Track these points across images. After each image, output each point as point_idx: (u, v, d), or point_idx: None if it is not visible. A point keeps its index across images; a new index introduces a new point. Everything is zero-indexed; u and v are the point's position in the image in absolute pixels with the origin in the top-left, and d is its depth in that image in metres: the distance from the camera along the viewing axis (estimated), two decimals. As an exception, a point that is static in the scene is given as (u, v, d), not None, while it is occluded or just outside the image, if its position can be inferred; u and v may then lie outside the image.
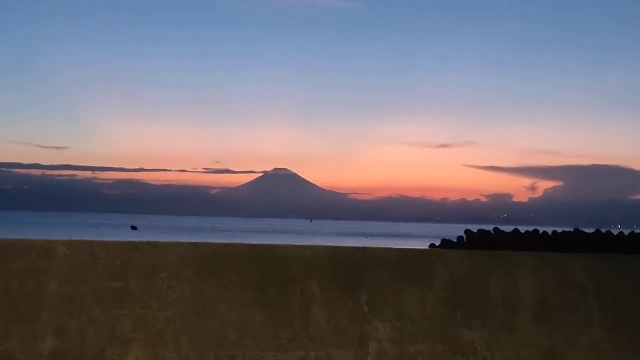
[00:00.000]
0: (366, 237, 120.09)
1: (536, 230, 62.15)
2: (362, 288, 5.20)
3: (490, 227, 66.55)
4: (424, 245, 66.92)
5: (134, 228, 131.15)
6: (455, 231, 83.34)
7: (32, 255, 4.80)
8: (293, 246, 5.25)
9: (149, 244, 5.01)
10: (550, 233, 60.88)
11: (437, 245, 65.64)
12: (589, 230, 60.92)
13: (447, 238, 70.06)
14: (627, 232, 61.21)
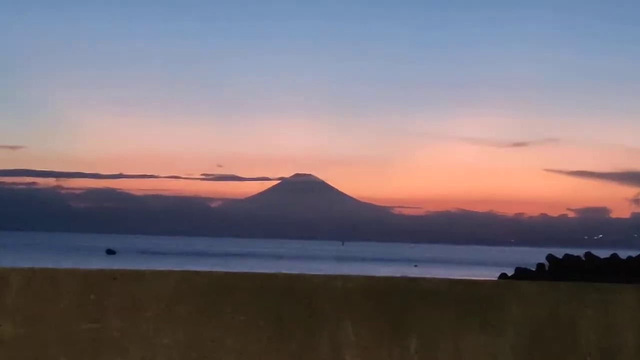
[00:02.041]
0: (416, 265, 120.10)
1: (641, 256, 61.78)
2: (411, 331, 5.20)
3: (580, 252, 66.27)
4: (492, 275, 66.73)
5: (110, 252, 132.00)
6: (534, 256, 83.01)
7: (-20, 287, 4.84)
8: (320, 276, 5.26)
9: (131, 273, 5.03)
10: (659, 259, 60.50)
11: (509, 275, 65.43)
12: None
13: (523, 266, 69.82)
14: None
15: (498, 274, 67.79)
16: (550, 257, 64.43)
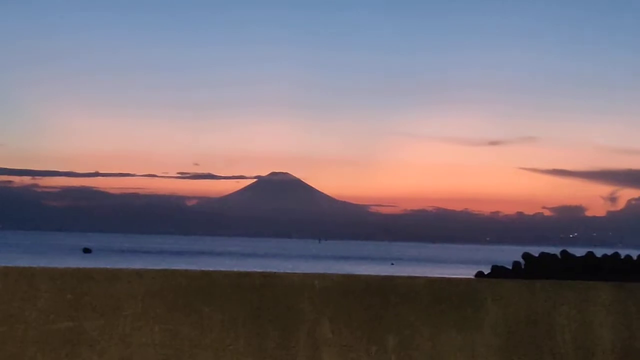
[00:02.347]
0: (393, 264, 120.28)
1: (616, 254, 62.09)
2: (388, 329, 5.20)
3: (556, 250, 66.51)
4: (469, 273, 66.92)
5: (87, 251, 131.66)
6: (510, 255, 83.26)
7: (-44, 286, 4.81)
8: (297, 274, 5.25)
9: (108, 271, 5.01)
10: (635, 257, 60.80)
11: (486, 273, 65.63)
12: (686, 254, 60.79)
13: (499, 264, 70.03)
14: None
15: (474, 272, 68.01)
16: (526, 255, 64.61)
